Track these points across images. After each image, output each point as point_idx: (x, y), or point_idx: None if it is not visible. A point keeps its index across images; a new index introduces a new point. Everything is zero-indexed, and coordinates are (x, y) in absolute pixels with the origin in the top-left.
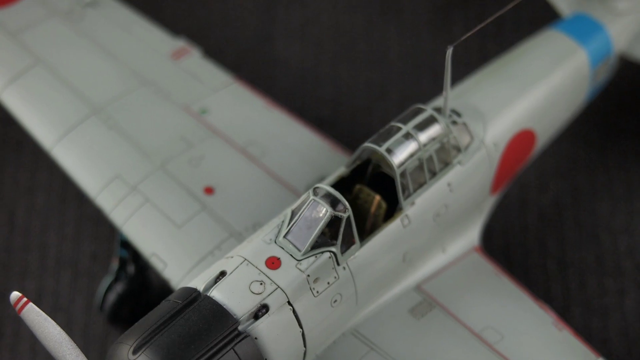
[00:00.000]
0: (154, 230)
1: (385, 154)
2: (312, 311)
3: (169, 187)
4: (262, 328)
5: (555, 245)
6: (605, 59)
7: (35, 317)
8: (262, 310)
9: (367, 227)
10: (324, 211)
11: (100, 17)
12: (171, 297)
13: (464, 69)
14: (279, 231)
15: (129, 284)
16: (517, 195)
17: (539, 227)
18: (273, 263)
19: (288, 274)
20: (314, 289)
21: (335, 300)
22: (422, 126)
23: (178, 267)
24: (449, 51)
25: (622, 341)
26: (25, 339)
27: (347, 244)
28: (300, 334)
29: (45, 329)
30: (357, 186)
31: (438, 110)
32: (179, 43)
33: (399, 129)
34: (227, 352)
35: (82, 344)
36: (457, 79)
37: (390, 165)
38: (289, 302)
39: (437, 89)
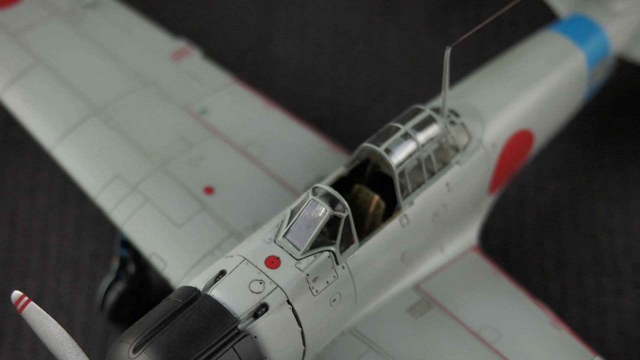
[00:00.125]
0: (154, 230)
1: (384, 154)
2: (312, 310)
3: (169, 187)
4: (262, 327)
5: (552, 245)
6: (603, 59)
7: (36, 316)
8: (261, 309)
9: (366, 226)
10: (323, 211)
11: (100, 18)
12: (171, 296)
13: (463, 69)
14: (279, 231)
15: (130, 283)
16: (515, 195)
17: (536, 227)
18: (272, 262)
19: (287, 273)
20: (313, 288)
21: (335, 300)
22: (421, 126)
23: (178, 266)
24: (448, 52)
25: (619, 340)
26: (27, 338)
27: (346, 243)
28: (300, 332)
29: (46, 327)
30: (356, 186)
31: (436, 110)
32: (179, 44)
33: (398, 129)
34: (227, 350)
35: (83, 343)
36: (455, 79)
37: (389, 165)
38: (288, 301)
39: (435, 89)
